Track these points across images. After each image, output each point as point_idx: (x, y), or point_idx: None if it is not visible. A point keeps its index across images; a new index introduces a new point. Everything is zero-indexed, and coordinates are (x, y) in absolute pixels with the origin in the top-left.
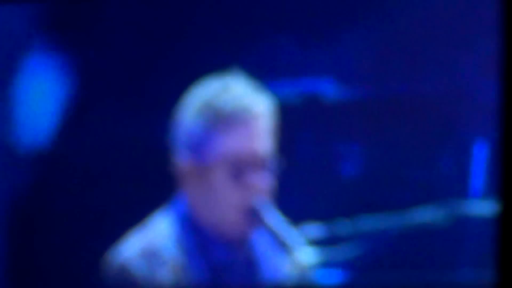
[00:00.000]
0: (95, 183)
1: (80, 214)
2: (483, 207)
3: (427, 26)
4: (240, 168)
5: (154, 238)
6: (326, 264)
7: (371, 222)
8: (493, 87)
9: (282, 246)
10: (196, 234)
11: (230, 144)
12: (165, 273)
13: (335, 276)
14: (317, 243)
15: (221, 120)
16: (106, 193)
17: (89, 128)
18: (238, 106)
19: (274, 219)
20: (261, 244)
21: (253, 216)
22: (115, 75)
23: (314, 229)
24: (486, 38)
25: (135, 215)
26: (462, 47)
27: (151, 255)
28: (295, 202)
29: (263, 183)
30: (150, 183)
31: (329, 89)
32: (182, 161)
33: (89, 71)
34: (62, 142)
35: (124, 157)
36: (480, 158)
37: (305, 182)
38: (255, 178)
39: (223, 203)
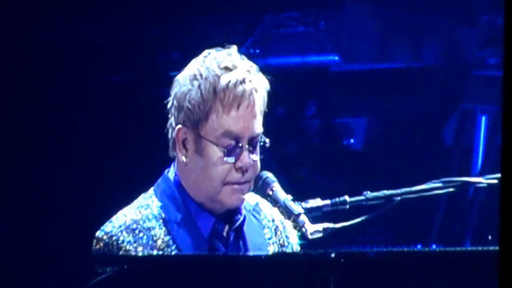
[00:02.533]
0: (89, 158)
1: (73, 186)
2: (485, 180)
3: (428, 1)
4: (234, 146)
5: (142, 211)
6: (328, 236)
7: (376, 194)
8: (495, 61)
9: (288, 218)
10: (184, 206)
11: (228, 123)
12: (152, 246)
13: (338, 247)
14: (320, 215)
15: (221, 96)
16: (98, 168)
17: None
18: (239, 85)
19: (278, 191)
20: (249, 220)
21: (258, 188)
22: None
23: (317, 201)
24: (489, 12)
25: (124, 187)
26: (464, 21)
27: (137, 228)
28: (300, 175)
29: (251, 164)
30: (140, 156)
31: (333, 63)
32: (179, 127)
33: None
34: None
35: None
36: (482, 131)
37: (309, 154)
38: (247, 157)
39: (215, 177)
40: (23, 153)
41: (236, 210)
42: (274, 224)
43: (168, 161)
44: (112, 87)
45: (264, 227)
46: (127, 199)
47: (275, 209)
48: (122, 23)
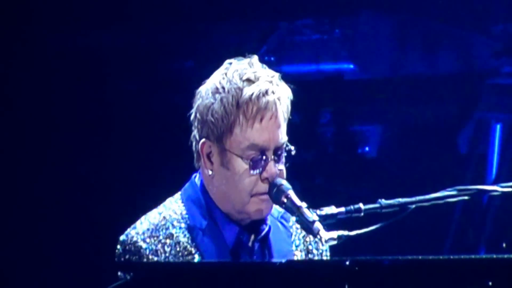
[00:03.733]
0: (114, 160)
1: (101, 191)
2: (499, 188)
3: (442, 9)
4: (260, 157)
5: (166, 217)
6: (343, 243)
7: (390, 202)
8: (510, 70)
9: (303, 226)
10: (210, 214)
11: (253, 136)
12: (175, 253)
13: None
14: (335, 223)
15: (244, 108)
16: (122, 173)
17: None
18: (262, 97)
19: (293, 199)
20: (276, 228)
21: (272, 196)
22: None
23: (332, 209)
24: (504, 21)
25: (149, 194)
26: (479, 30)
27: (161, 234)
28: (315, 183)
29: (277, 173)
30: (165, 165)
31: (348, 71)
32: (203, 140)
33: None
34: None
35: (140, 133)
36: (497, 139)
37: (324, 162)
38: (273, 167)
39: (242, 190)
40: (44, 157)
41: (262, 220)
42: (303, 231)
43: (184, 166)
44: (126, 94)
45: (291, 235)
46: (153, 203)
47: None
48: (136, 31)
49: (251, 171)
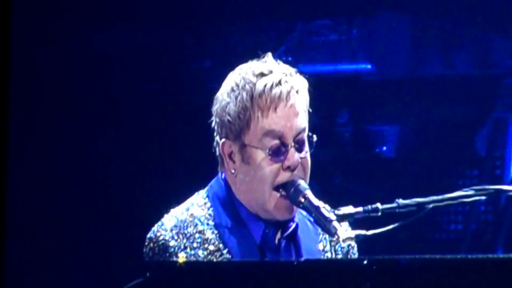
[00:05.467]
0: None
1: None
2: None
3: (460, 10)
4: (279, 145)
5: (194, 214)
6: (362, 243)
7: (408, 202)
8: None
9: (320, 225)
10: (235, 211)
11: (268, 124)
12: (203, 250)
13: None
14: (353, 222)
15: (258, 101)
16: (147, 173)
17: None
18: (275, 87)
19: (310, 199)
20: (304, 226)
21: (290, 196)
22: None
23: (349, 209)
24: None
25: (174, 193)
26: (497, 30)
27: (189, 232)
28: (332, 183)
29: (299, 161)
30: (189, 164)
31: (366, 71)
32: (223, 141)
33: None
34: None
35: (163, 137)
36: None
37: (342, 162)
38: (294, 154)
39: (264, 180)
40: (64, 159)
41: (287, 213)
42: None
43: (203, 165)
44: (145, 94)
45: (320, 234)
46: (170, 202)
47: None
48: (154, 31)
49: (271, 161)
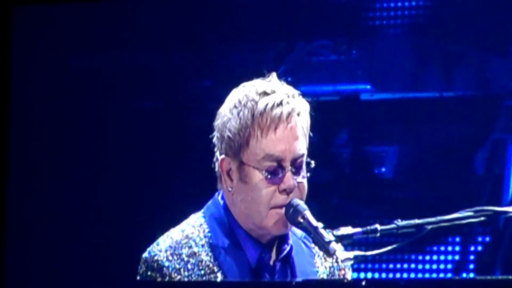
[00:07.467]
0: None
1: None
2: None
3: (460, 31)
4: (277, 168)
5: (189, 235)
6: (360, 263)
7: (407, 223)
8: None
9: (319, 246)
10: (232, 232)
11: (268, 147)
12: (197, 271)
13: (368, 275)
14: (351, 243)
15: (259, 120)
16: (145, 191)
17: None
18: (276, 107)
19: (309, 219)
20: (298, 248)
21: (289, 216)
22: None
23: (348, 229)
24: None
25: (171, 213)
26: (496, 52)
27: (183, 253)
28: (331, 203)
29: (295, 185)
30: (187, 184)
31: (365, 92)
32: (222, 157)
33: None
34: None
35: (162, 153)
36: None
37: (341, 182)
38: (291, 178)
39: (260, 201)
40: (64, 173)
41: (284, 239)
42: None
43: (202, 184)
44: (144, 113)
45: (314, 255)
46: (171, 222)
47: None
48: (154, 50)
49: (268, 183)
